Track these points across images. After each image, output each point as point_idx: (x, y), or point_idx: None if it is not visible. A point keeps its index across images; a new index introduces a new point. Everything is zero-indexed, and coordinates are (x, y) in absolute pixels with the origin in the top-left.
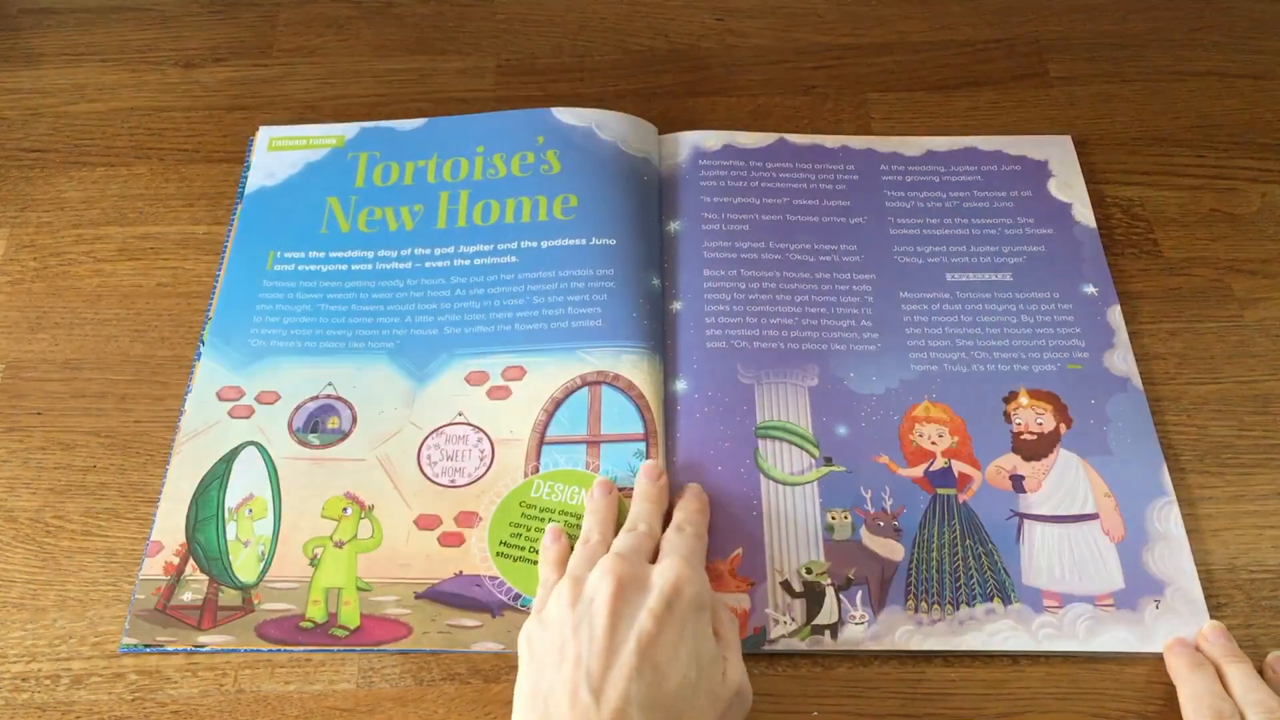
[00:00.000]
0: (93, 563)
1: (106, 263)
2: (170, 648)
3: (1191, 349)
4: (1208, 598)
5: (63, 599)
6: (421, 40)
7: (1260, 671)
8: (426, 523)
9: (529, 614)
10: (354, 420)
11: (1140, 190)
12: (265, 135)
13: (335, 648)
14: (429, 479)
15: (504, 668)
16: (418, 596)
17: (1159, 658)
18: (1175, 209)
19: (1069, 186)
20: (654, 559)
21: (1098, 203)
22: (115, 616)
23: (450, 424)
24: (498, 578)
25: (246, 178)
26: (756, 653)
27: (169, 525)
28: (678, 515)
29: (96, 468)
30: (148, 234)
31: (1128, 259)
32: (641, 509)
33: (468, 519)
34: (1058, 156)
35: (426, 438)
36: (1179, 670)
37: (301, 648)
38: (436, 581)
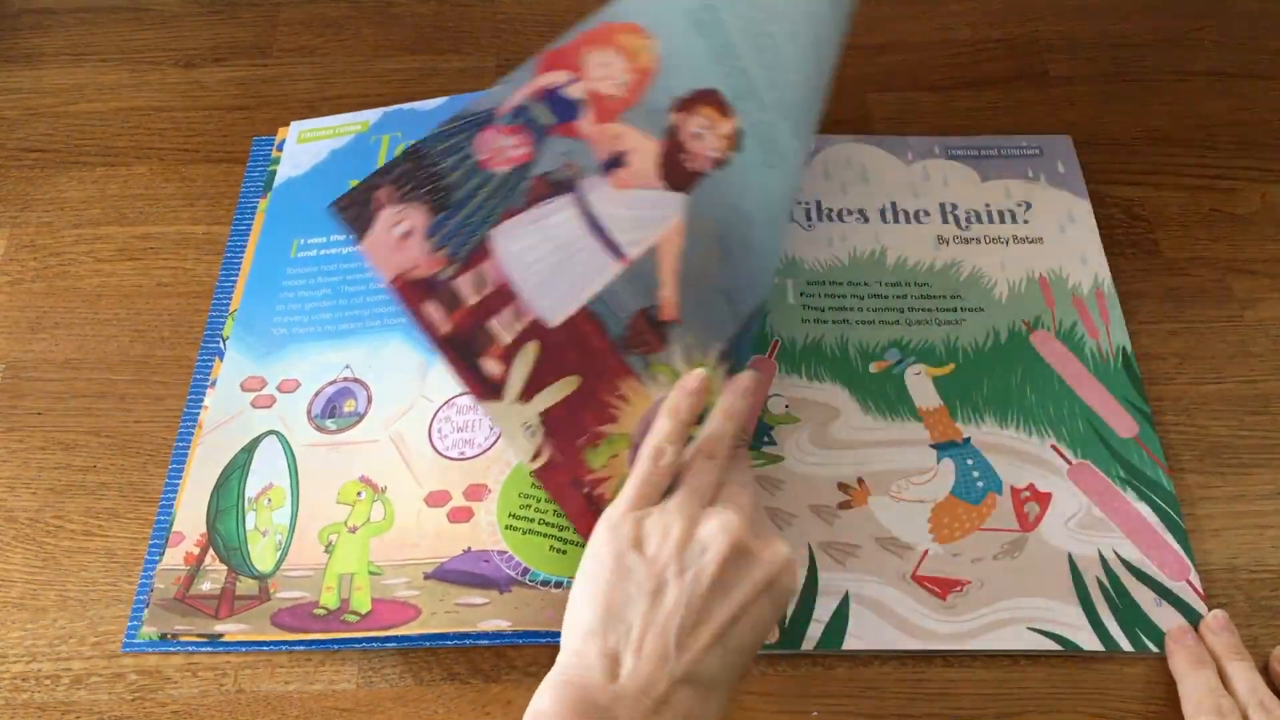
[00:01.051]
0: (93, 563)
1: (106, 263)
2: (182, 639)
3: (1191, 349)
4: (1207, 598)
5: (63, 599)
6: (421, 40)
7: (1263, 669)
8: (435, 499)
9: (564, 550)
10: (369, 401)
11: (1140, 190)
12: (295, 129)
13: (347, 634)
14: (439, 453)
15: (504, 667)
16: (426, 577)
17: (1159, 657)
18: (1175, 209)
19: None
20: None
21: (1098, 203)
22: (115, 616)
23: (460, 394)
24: (506, 552)
25: (274, 171)
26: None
27: (190, 516)
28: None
29: (96, 468)
30: (148, 234)
31: (1128, 259)
32: (727, 427)
33: (477, 492)
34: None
35: (438, 411)
36: (1180, 666)
37: (311, 636)
38: (445, 560)
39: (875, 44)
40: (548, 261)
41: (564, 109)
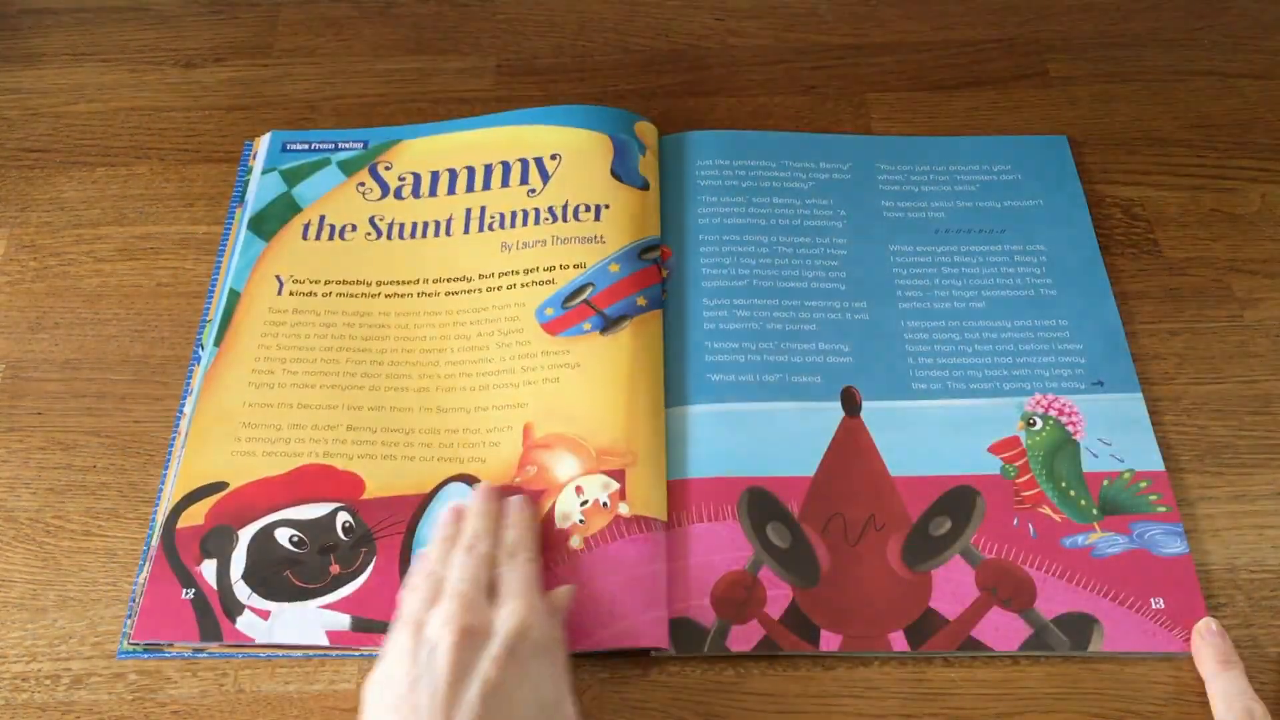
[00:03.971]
0: (93, 563)
1: (106, 263)
2: (171, 652)
3: (1191, 349)
4: (1208, 598)
5: (63, 599)
6: (421, 40)
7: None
8: None
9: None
10: None
11: (1140, 190)
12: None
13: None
14: None
15: None
16: None
17: (1159, 658)
18: (1175, 209)
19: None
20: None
21: (1097, 203)
22: (115, 616)
23: None
24: None
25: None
26: (757, 654)
27: None
28: (509, 536)
29: (96, 468)
30: (148, 234)
31: (1127, 259)
32: (479, 525)
33: None
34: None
35: None
36: (1209, 665)
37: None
38: None
39: (875, 44)
40: None
41: None
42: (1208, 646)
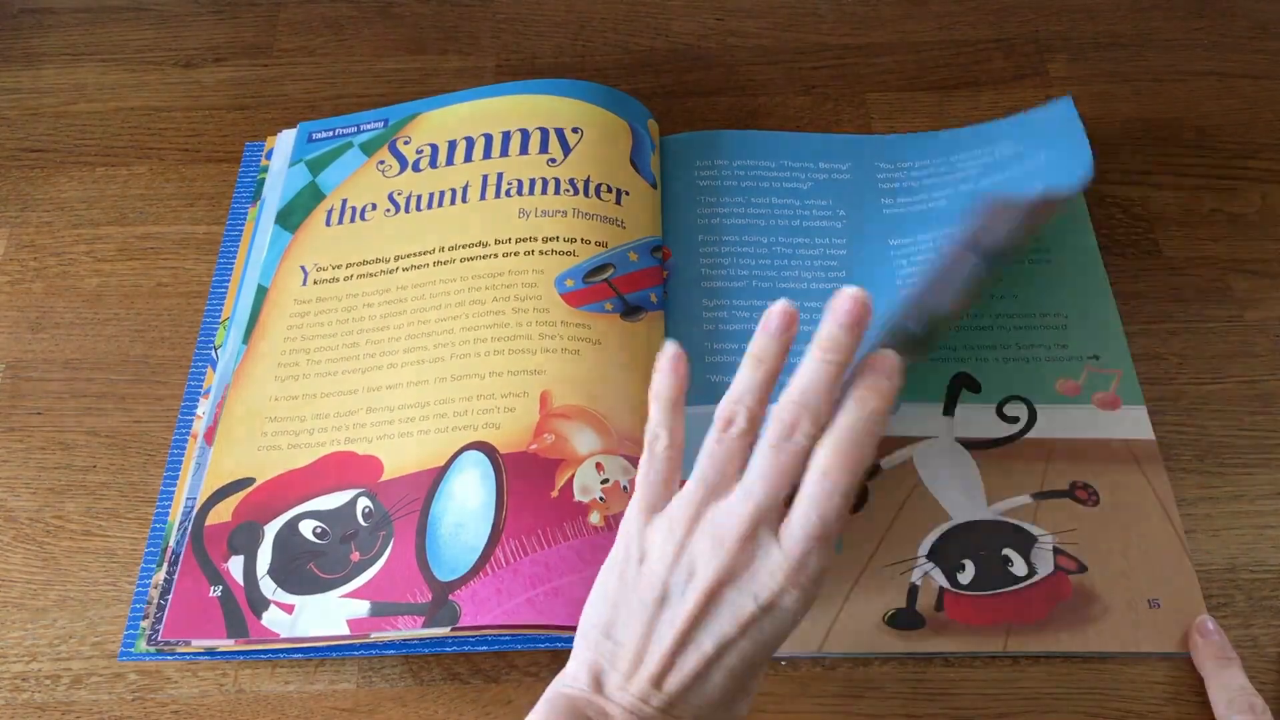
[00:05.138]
0: (93, 563)
1: (106, 263)
2: (174, 653)
3: (1191, 349)
4: (1207, 598)
5: (63, 599)
6: (421, 40)
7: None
8: None
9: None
10: None
11: (1140, 190)
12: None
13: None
14: None
15: (504, 667)
16: None
17: (1159, 658)
18: (1175, 209)
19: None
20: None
21: (1097, 203)
22: (115, 616)
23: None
24: None
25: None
26: None
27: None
28: (842, 427)
29: (96, 468)
30: (148, 234)
31: (1128, 259)
32: (806, 400)
33: None
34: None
35: None
36: (1207, 664)
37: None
38: None
39: (875, 44)
40: None
41: None
42: (1206, 644)
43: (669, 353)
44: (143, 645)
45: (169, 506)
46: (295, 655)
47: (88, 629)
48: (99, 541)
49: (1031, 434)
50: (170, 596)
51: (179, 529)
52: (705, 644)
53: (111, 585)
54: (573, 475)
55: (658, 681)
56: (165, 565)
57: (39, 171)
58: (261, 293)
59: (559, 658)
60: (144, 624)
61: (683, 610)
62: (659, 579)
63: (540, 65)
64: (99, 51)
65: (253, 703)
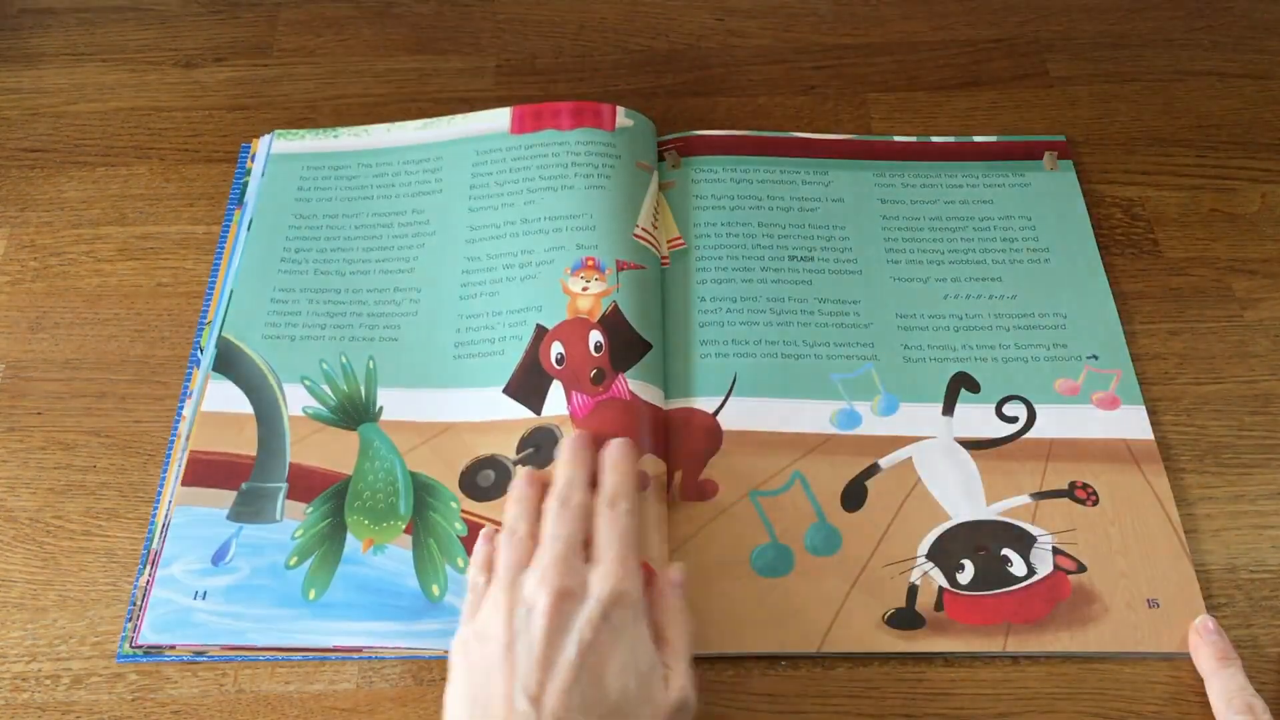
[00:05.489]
0: (93, 563)
1: (106, 263)
2: (171, 654)
3: (1191, 349)
4: (1207, 598)
5: (63, 599)
6: (421, 40)
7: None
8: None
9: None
10: None
11: (1140, 190)
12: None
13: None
14: None
15: None
16: None
17: (1158, 658)
18: (1175, 209)
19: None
20: (588, 542)
21: (1097, 203)
22: (115, 616)
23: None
24: None
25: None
26: (755, 654)
27: None
28: (608, 483)
29: (96, 468)
30: (148, 234)
31: (1127, 259)
32: (572, 474)
33: None
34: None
35: None
36: (1207, 663)
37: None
38: None
39: (875, 44)
40: None
41: None
42: (1205, 644)
43: (525, 471)
44: (127, 648)
45: (159, 508)
46: (295, 656)
47: (88, 629)
48: (99, 541)
49: (1031, 434)
50: (147, 600)
51: (162, 531)
52: (562, 663)
53: (111, 585)
54: None
55: (537, 700)
56: (148, 568)
57: (39, 171)
58: (234, 297)
59: None
60: (128, 626)
61: (533, 645)
62: (500, 640)
63: (540, 65)
64: (99, 51)
65: (252, 703)
